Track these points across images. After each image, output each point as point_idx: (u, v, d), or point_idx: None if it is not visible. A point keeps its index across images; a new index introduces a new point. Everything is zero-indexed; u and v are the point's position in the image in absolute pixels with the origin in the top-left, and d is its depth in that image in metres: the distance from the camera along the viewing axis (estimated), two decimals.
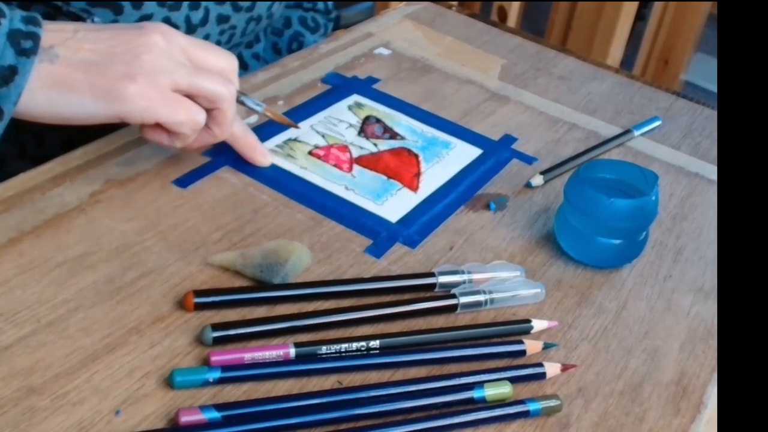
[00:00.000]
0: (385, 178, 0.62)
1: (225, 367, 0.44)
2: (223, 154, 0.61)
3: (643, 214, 0.54)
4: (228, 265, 0.51)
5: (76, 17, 0.61)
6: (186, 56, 0.53)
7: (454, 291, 0.51)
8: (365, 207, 0.59)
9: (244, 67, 0.83)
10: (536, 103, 0.76)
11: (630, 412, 0.47)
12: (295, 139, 0.65)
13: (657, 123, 0.75)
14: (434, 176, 0.63)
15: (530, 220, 0.60)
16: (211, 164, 0.60)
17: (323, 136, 0.66)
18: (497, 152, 0.67)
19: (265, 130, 0.65)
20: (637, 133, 0.72)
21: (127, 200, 0.55)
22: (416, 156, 0.65)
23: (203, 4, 0.68)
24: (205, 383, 0.43)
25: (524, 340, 0.49)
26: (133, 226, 0.53)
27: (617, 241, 0.55)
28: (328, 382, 0.45)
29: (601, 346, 0.51)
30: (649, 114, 0.76)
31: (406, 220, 0.58)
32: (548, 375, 0.47)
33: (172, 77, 0.51)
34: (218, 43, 0.71)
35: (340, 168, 0.62)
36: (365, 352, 0.47)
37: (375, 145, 0.66)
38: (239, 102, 0.58)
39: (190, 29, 0.67)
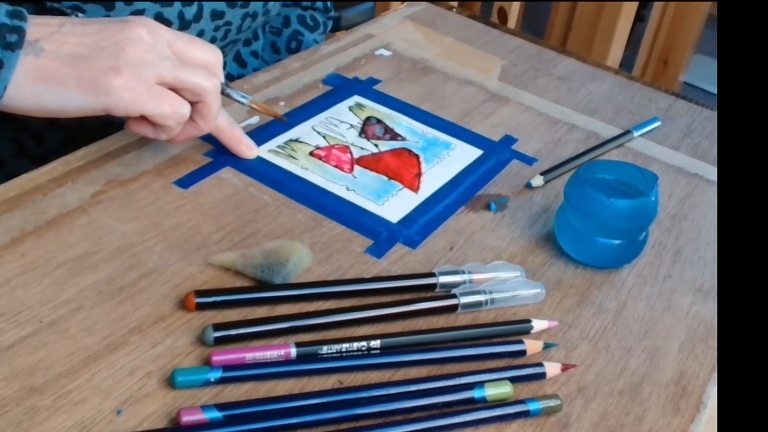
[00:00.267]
0: (385, 178, 0.62)
1: (226, 367, 0.44)
2: (224, 155, 0.61)
3: (642, 215, 0.55)
4: (229, 265, 0.51)
5: (63, 15, 0.61)
6: (171, 50, 0.54)
7: (454, 291, 0.51)
8: (366, 207, 0.59)
9: (242, 65, 0.83)
10: (536, 103, 0.76)
11: (630, 412, 0.47)
12: (296, 140, 0.65)
13: (656, 124, 0.75)
14: (435, 177, 0.63)
15: (530, 221, 0.60)
16: (212, 165, 0.60)
17: (324, 137, 0.66)
18: (497, 153, 0.67)
19: (266, 131, 0.65)
20: (636, 133, 0.73)
21: (129, 200, 0.55)
22: (417, 157, 0.65)
23: None
24: (207, 383, 0.44)
25: (524, 340, 0.49)
26: (134, 227, 0.53)
27: (617, 242, 0.55)
28: (329, 381, 0.45)
29: (601, 346, 0.51)
30: (648, 115, 0.77)
31: (407, 220, 0.58)
32: (548, 375, 0.47)
33: (157, 70, 0.52)
34: (213, 39, 0.70)
35: (341, 168, 0.62)
36: (366, 352, 0.47)
37: (376, 145, 0.66)
38: (224, 95, 0.58)
39: (183, 25, 0.66)
